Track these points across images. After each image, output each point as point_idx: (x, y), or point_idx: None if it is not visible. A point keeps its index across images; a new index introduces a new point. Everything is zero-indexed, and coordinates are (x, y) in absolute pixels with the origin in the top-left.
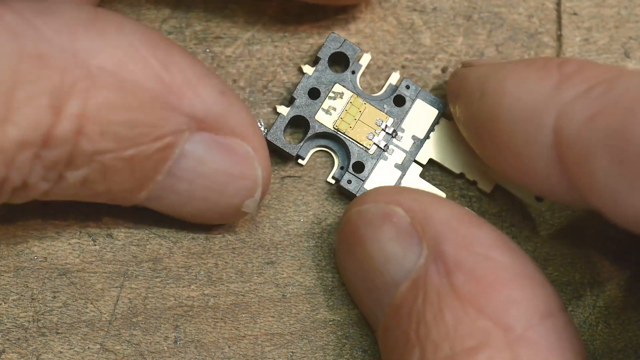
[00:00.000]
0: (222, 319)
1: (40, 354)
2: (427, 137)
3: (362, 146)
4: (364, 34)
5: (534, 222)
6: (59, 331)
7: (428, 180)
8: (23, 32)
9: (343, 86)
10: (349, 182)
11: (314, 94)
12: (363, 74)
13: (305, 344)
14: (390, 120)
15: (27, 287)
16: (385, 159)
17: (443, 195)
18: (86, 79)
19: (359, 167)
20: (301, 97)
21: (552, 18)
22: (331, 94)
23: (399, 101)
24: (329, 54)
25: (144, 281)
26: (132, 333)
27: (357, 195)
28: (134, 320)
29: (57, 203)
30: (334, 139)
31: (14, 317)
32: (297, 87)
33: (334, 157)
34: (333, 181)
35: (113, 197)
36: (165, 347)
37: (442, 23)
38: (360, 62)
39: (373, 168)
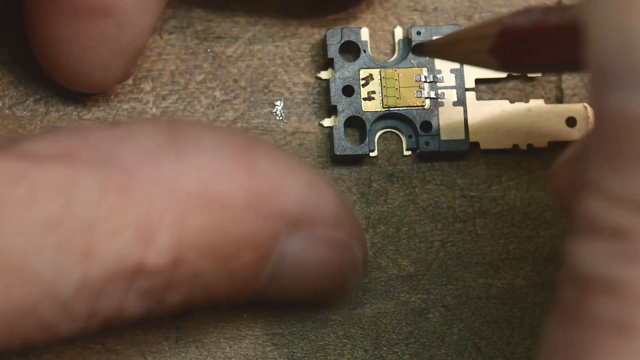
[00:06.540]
0: (223, 318)
1: (41, 354)
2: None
3: (417, 107)
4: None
5: (535, 222)
6: None
7: (484, 99)
8: (102, 165)
9: (366, 68)
10: (427, 143)
11: (348, 91)
12: (372, 47)
13: (306, 344)
14: (424, 70)
15: None
16: (442, 104)
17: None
18: (175, 207)
19: (427, 126)
20: (340, 101)
21: None
22: (362, 81)
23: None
24: (338, 50)
25: None
26: (134, 332)
27: (441, 151)
28: None
29: None
30: (389, 118)
31: None
32: (331, 94)
33: (397, 133)
34: (409, 153)
35: (215, 304)
36: (167, 347)
37: (443, 23)
38: (363, 38)
39: (438, 119)
